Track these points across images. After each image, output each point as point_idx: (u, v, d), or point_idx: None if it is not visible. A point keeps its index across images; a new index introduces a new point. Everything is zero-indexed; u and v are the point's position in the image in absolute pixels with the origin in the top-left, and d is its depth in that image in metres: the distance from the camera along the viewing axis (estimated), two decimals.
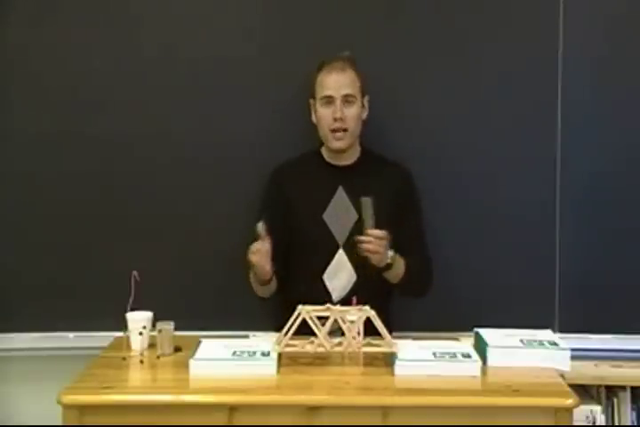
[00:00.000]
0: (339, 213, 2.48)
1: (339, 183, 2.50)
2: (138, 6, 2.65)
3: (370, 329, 2.04)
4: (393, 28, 2.65)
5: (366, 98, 2.49)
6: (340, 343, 2.04)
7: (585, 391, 2.52)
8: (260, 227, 2.25)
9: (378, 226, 2.31)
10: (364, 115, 2.50)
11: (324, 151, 2.55)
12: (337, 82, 2.43)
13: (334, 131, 2.43)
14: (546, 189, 2.68)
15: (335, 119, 2.42)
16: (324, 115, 2.44)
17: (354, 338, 2.02)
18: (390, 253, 2.35)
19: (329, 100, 2.43)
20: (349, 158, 2.53)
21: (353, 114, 2.44)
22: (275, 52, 2.65)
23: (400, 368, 1.99)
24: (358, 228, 2.40)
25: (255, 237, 2.27)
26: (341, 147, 2.46)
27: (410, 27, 2.67)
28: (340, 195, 2.49)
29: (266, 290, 2.45)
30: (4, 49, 2.63)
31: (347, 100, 2.43)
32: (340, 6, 2.65)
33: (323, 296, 2.38)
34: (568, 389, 1.93)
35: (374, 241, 2.29)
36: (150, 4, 2.66)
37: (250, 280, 2.45)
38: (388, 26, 2.65)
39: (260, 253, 2.27)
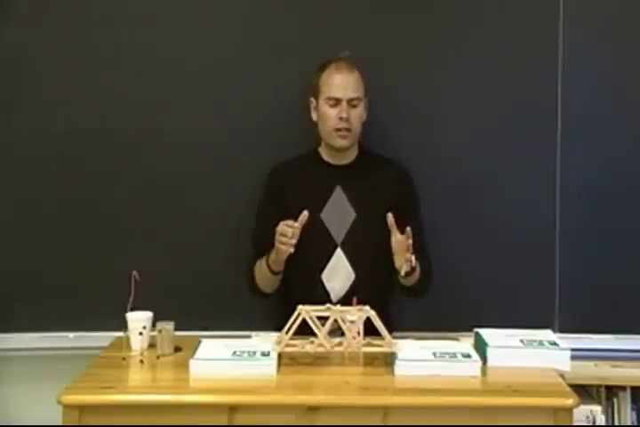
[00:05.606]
0: (337, 212, 2.47)
1: (337, 182, 2.49)
2: (138, 6, 2.65)
3: (370, 329, 2.04)
4: (393, 27, 2.65)
5: (367, 99, 2.49)
6: (340, 343, 2.04)
7: (585, 391, 2.52)
8: (304, 215, 2.25)
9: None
10: (365, 116, 2.49)
11: (321, 151, 2.54)
12: (344, 83, 2.42)
13: (338, 130, 2.43)
14: (546, 189, 2.68)
15: (341, 118, 2.41)
16: (329, 114, 2.43)
17: (354, 338, 2.02)
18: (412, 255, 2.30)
19: (336, 101, 2.41)
20: (347, 158, 2.52)
21: (357, 115, 2.44)
22: (273, 52, 2.65)
23: (400, 368, 1.98)
24: (356, 227, 2.40)
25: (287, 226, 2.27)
26: (345, 145, 2.46)
27: (410, 27, 2.67)
28: (338, 194, 2.49)
29: (274, 283, 2.44)
30: (5, 49, 2.64)
31: (352, 102, 2.42)
32: (339, 6, 2.65)
33: (322, 296, 2.39)
34: (568, 389, 1.92)
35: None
36: (150, 4, 2.66)
37: (255, 275, 2.44)
38: (387, 26, 2.65)
39: (295, 237, 2.26)
